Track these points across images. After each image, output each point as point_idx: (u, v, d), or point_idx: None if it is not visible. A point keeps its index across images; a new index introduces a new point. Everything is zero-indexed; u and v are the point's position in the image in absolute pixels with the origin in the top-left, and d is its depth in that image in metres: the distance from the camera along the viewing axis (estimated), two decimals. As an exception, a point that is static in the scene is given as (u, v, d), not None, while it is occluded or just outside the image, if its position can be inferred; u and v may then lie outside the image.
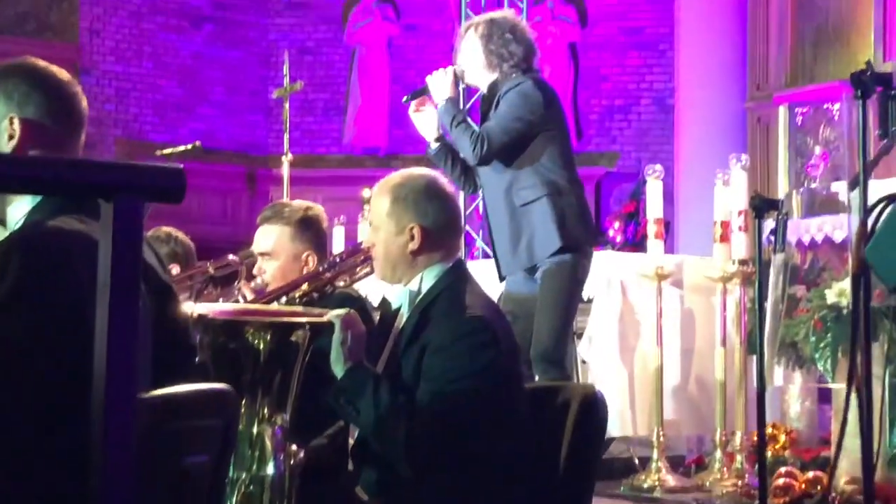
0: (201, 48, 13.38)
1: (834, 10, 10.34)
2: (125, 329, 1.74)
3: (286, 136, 8.47)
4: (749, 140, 10.71)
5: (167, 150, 8.20)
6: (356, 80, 13.38)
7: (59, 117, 2.50)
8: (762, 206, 3.79)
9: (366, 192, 9.29)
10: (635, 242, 11.27)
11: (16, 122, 2.43)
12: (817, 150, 10.00)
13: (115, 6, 12.87)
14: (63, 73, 2.57)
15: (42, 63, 2.55)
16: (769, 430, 6.32)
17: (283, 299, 3.84)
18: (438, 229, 3.22)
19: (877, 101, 3.02)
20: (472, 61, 5.18)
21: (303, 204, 4.06)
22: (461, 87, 5.53)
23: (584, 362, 6.38)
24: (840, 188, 5.80)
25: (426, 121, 5.17)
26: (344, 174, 13.04)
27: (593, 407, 3.21)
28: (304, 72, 12.84)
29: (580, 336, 6.28)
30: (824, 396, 6.47)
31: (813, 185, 9.91)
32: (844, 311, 4.73)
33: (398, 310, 3.28)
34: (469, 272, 3.31)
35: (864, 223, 2.46)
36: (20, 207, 2.41)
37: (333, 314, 3.08)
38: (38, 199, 2.41)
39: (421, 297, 3.21)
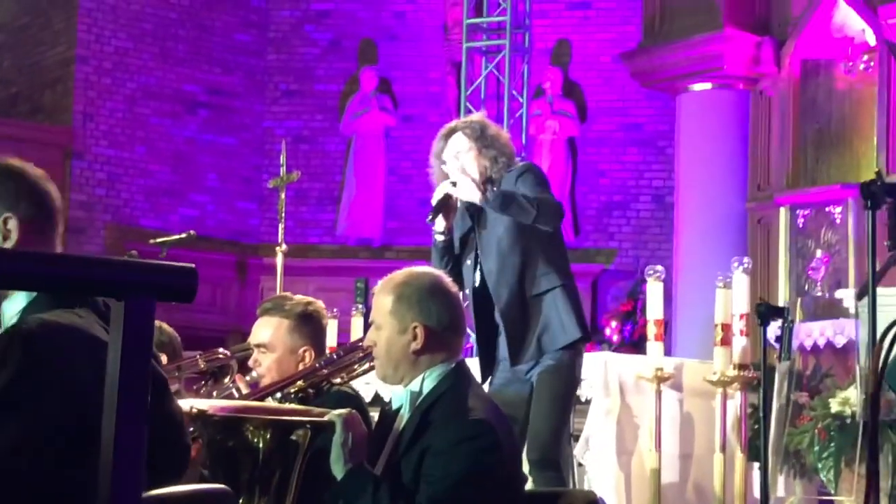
0: (195, 134, 13.48)
1: (836, 114, 10.49)
2: (133, 430, 1.75)
3: (281, 227, 8.50)
4: (749, 240, 10.80)
5: (161, 239, 8.23)
6: (351, 169, 13.47)
7: (43, 215, 2.55)
8: (767, 312, 3.82)
9: (364, 286, 9.32)
10: (632, 342, 11.29)
11: (11, 221, 2.48)
12: (819, 252, 10.09)
13: (110, 90, 12.98)
14: (39, 170, 2.63)
15: (20, 162, 2.61)
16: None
17: (279, 395, 3.84)
18: (442, 329, 3.24)
19: (886, 212, 3.05)
20: (472, 166, 5.15)
21: (304, 298, 4.08)
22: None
23: (580, 465, 6.36)
24: (844, 295, 5.82)
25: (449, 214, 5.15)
26: (336, 265, 13.09)
27: (594, 514, 3.20)
28: (299, 160, 12.93)
29: (577, 438, 6.26)
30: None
31: (815, 290, 9.99)
32: (848, 421, 4.75)
33: (398, 410, 3.29)
34: (471, 373, 3.32)
35: (880, 344, 2.49)
36: (16, 303, 2.44)
37: (335, 414, 3.09)
38: (33, 294, 2.43)
39: (422, 398, 3.22)
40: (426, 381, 3.24)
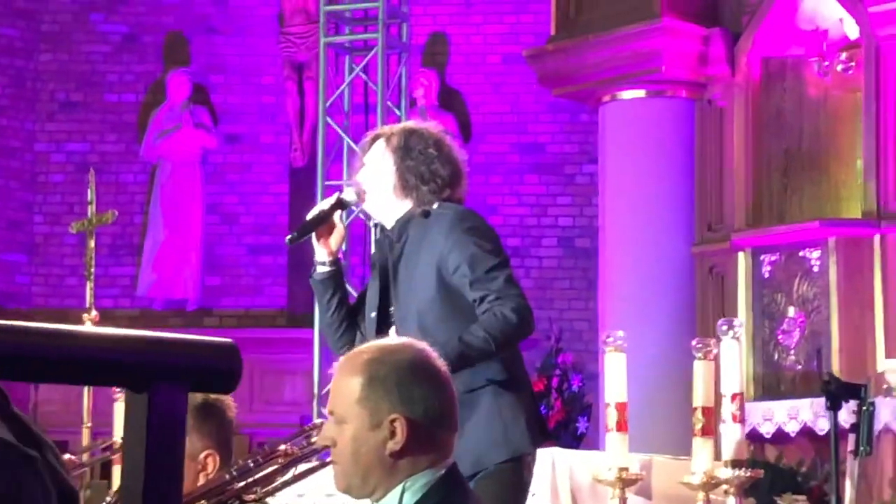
0: (-61, 161, 13.25)
1: (808, 130, 10.68)
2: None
3: (90, 287, 8.35)
4: (698, 296, 10.90)
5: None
6: (157, 208, 13.33)
7: None
8: (840, 392, 3.82)
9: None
10: (550, 435, 11.33)
11: None
12: (791, 311, 10.24)
13: None
14: None
15: None
16: None
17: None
18: (429, 422, 3.17)
19: None
20: (380, 181, 5.15)
21: (200, 388, 3.99)
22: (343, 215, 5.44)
23: None
24: (888, 366, 5.90)
25: (330, 238, 5.15)
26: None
27: None
28: (85, 195, 12.71)
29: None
30: None
31: (787, 360, 10.14)
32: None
33: (366, 534, 3.22)
34: (466, 482, 3.26)
35: None
36: None
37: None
38: None
39: (403, 517, 3.15)
40: (407, 495, 3.16)
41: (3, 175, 13.46)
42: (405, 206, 5.12)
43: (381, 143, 5.16)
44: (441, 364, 3.29)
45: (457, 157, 5.22)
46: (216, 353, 1.74)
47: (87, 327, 1.52)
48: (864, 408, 3.85)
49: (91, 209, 8.71)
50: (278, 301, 13.38)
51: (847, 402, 3.87)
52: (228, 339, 1.77)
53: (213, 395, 3.98)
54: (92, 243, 8.60)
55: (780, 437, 9.88)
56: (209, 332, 13.06)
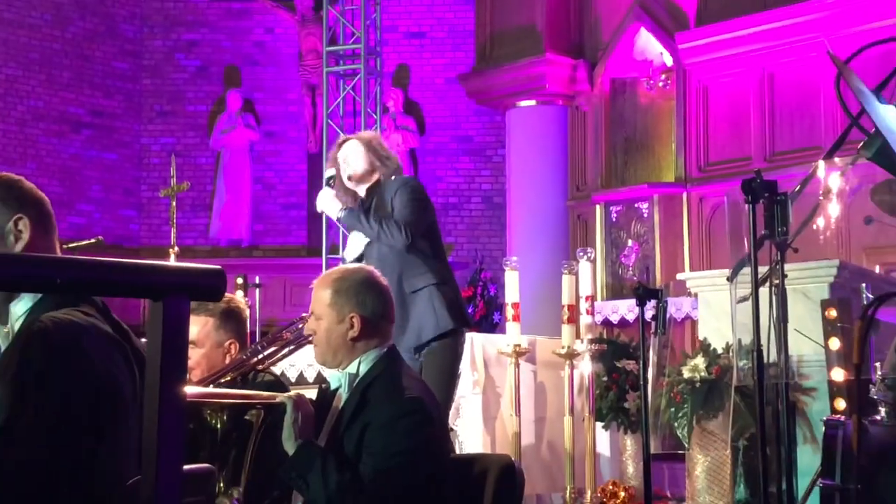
0: (80, 151, 13.04)
1: (640, 123, 10.64)
2: (175, 418, 1.63)
3: (173, 232, 8.28)
4: (570, 233, 10.89)
5: (73, 244, 7.91)
6: (221, 179, 13.20)
7: (45, 217, 2.43)
8: (645, 294, 3.83)
9: (244, 281, 9.12)
10: (475, 323, 11.30)
11: (22, 222, 2.32)
12: (630, 242, 10.24)
13: (2, 114, 12.47)
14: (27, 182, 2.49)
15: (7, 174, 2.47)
16: (610, 487, 6.36)
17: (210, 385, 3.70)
18: (376, 318, 3.15)
19: (764, 205, 3.03)
20: (360, 165, 5.13)
21: (225, 296, 3.92)
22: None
23: (452, 430, 6.31)
24: (684, 276, 5.87)
25: (330, 202, 5.13)
26: (210, 263, 12.77)
27: (510, 476, 3.14)
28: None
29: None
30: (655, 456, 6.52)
31: (627, 274, 10.13)
32: (697, 385, 4.79)
33: (336, 391, 3.19)
34: (401, 356, 3.23)
35: (863, 317, 2.48)
36: (23, 303, 2.28)
37: (285, 396, 2.98)
38: (38, 295, 2.28)
39: (360, 379, 3.12)
40: (362, 364, 3.14)
41: (120, 159, 13.30)
42: (375, 177, 5.10)
43: (354, 142, 5.12)
44: (383, 280, 3.26)
45: (382, 139, 5.27)
46: (208, 275, 1.69)
47: (133, 260, 1.48)
48: (660, 304, 3.86)
49: (172, 181, 8.60)
50: (301, 240, 13.29)
51: (650, 301, 3.89)
52: (218, 266, 1.73)
53: (233, 303, 3.90)
54: (174, 203, 8.51)
55: (623, 323, 9.89)
56: (258, 261, 12.89)
